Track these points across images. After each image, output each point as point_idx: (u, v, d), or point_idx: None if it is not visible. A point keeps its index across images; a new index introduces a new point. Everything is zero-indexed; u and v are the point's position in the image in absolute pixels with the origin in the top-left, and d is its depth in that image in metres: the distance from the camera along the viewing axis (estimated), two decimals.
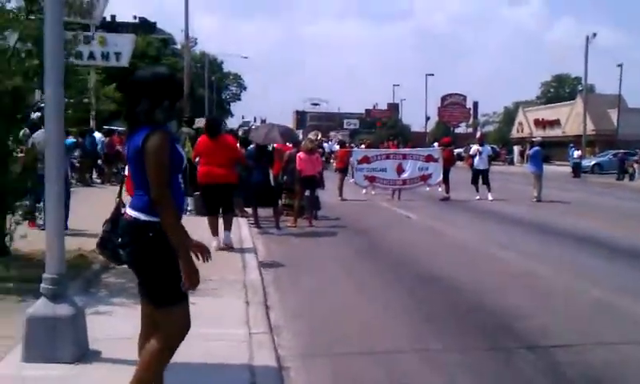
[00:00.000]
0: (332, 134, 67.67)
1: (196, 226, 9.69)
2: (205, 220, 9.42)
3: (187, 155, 10.16)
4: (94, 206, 7.94)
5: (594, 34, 44.73)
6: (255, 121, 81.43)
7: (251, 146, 12.29)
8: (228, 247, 9.08)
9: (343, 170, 18.63)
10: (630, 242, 11.27)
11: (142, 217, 3.18)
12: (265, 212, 12.17)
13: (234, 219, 11.97)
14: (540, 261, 9.27)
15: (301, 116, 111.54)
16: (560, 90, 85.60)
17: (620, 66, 49.02)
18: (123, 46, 28.73)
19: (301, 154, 12.38)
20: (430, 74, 70.97)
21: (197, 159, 9.72)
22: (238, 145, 12.31)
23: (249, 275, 7.52)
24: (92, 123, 21.73)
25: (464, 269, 8.66)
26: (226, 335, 5.14)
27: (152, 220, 3.16)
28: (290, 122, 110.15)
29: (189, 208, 11.02)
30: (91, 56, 26.05)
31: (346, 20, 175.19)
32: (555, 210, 16.47)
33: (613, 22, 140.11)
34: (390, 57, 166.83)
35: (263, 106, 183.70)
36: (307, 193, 12.42)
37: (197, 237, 3.33)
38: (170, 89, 3.28)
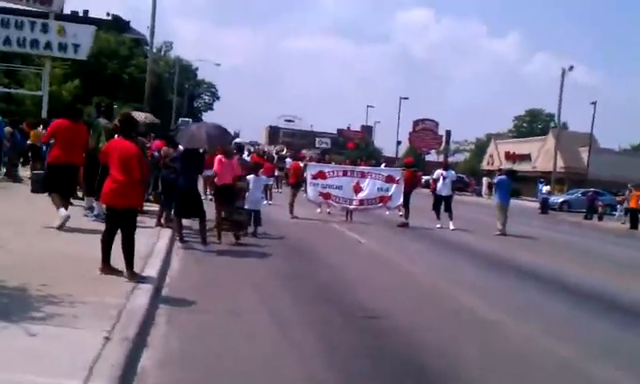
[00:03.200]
0: (304, 151, 66.10)
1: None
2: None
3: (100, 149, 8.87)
4: None
5: (571, 67, 44.04)
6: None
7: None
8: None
9: (296, 186, 17.11)
10: (604, 289, 10.07)
11: None
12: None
13: (157, 230, 10.54)
14: (503, 308, 7.86)
15: (274, 131, 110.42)
16: (533, 124, 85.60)
17: (594, 103, 48.55)
18: (82, 38, 26.75)
19: (221, 157, 11.02)
20: (404, 98, 69.07)
21: (52, 141, 9.81)
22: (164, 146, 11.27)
23: (135, 300, 5.98)
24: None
25: (410, 310, 7.24)
26: None
27: None
28: (262, 138, 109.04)
29: None
30: (48, 46, 24.21)
31: (326, 38, 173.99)
32: (521, 247, 15.16)
33: (590, 59, 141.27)
34: (367, 78, 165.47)
35: (238, 118, 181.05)
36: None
37: None
38: None
